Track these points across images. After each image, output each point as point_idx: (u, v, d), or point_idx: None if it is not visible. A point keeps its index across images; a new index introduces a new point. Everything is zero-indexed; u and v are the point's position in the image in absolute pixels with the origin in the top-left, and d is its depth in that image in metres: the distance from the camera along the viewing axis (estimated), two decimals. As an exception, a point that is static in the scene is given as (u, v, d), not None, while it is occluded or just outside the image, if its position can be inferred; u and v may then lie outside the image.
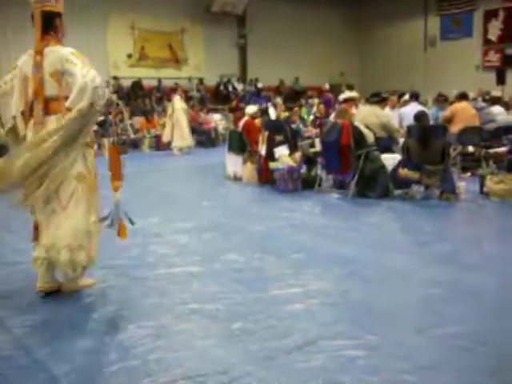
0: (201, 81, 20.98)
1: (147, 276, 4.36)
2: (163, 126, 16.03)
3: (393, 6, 24.05)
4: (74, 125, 3.59)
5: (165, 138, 14.54)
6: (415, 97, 10.30)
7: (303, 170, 8.51)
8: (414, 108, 9.08)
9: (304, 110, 14.89)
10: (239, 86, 21.84)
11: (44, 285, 3.87)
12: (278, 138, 8.31)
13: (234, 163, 9.40)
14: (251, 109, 9.75)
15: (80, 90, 3.58)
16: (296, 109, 11.46)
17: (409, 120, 8.56)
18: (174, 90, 16.90)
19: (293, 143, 8.35)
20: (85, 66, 3.67)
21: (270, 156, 8.30)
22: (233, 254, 4.88)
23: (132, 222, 3.97)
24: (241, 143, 9.32)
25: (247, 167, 9.02)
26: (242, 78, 22.66)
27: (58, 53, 3.73)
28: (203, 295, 3.89)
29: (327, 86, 19.75)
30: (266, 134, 8.45)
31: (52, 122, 3.69)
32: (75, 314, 3.61)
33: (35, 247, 3.82)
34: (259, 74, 22.38)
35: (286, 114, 10.69)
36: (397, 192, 7.43)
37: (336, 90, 18.77)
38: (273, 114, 10.16)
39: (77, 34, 17.08)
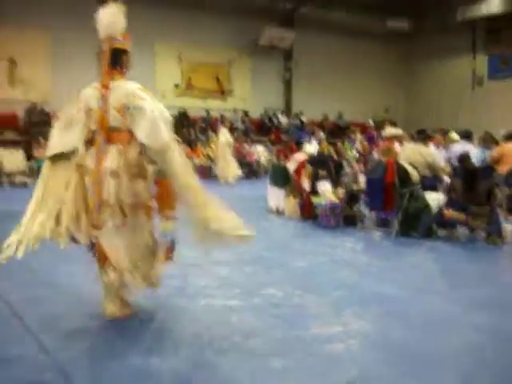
0: (246, 113, 21.21)
1: (186, 307, 4.38)
2: (207, 155, 16.27)
3: (441, 43, 23.96)
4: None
5: (216, 169, 14.76)
6: (467, 136, 10.08)
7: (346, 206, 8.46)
8: (465, 147, 8.98)
9: (347, 146, 14.87)
10: (283, 119, 21.97)
11: (114, 308, 4.02)
12: (321, 173, 8.31)
13: (276, 196, 9.41)
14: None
15: (152, 124, 3.76)
16: (339, 144, 11.44)
17: (459, 159, 8.47)
18: (221, 121, 17.18)
19: (336, 179, 8.34)
20: (152, 101, 3.86)
21: (313, 191, 8.30)
22: (273, 289, 4.87)
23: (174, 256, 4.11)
24: (284, 177, 9.34)
25: (290, 201, 9.02)
26: (287, 111, 22.81)
27: (125, 87, 3.91)
28: (242, 330, 3.88)
29: (371, 123, 19.69)
30: (310, 168, 8.46)
31: (113, 152, 3.83)
32: (117, 341, 3.64)
33: (102, 272, 3.95)
34: (303, 107, 22.50)
35: (330, 148, 10.69)
36: (441, 232, 7.32)
37: (380, 126, 18.72)
38: (316, 148, 10.16)
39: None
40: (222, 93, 21.58)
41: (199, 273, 5.39)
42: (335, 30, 22.81)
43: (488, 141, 11.23)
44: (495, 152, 9.71)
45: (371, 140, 15.13)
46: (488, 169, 7.51)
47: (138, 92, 3.88)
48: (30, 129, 16.81)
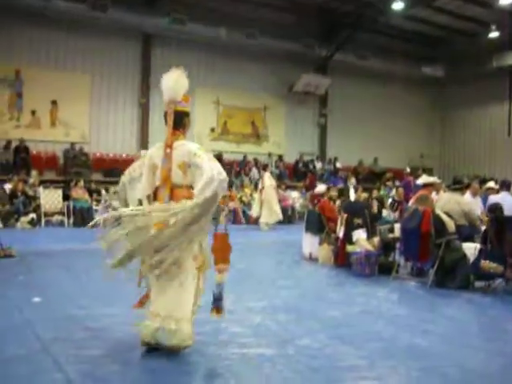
0: (280, 157, 21.37)
1: (219, 354, 4.37)
2: (240, 199, 16.40)
3: (476, 89, 23.95)
4: (196, 209, 3.94)
5: (254, 214, 14.88)
6: (507, 186, 9.92)
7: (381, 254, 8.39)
8: (503, 197, 8.88)
9: (382, 193, 14.81)
10: (318, 165, 22.05)
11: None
12: (357, 220, 8.30)
13: (310, 243, 9.39)
14: (319, 188, 9.83)
15: (208, 182, 4.01)
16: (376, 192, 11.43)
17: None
18: (263, 167, 17.44)
19: (371, 227, 8.30)
20: (211, 160, 4.19)
21: (348, 239, 8.27)
22: (307, 339, 4.83)
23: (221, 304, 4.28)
24: (318, 223, 9.34)
25: (324, 248, 9.00)
26: (321, 157, 22.90)
27: (187, 147, 4.27)
28: (275, 380, 3.85)
29: (408, 169, 19.55)
30: (345, 216, 8.45)
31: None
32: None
33: (148, 315, 4.18)
34: (338, 153, 22.58)
35: (365, 195, 10.69)
36: (478, 284, 7.19)
37: (415, 172, 18.63)
38: (352, 195, 10.17)
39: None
40: (257, 137, 21.82)
41: (231, 319, 5.23)
42: (370, 76, 23.03)
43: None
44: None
45: (407, 187, 14.98)
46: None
47: (198, 152, 4.22)
48: (68, 169, 17.22)
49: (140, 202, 4.30)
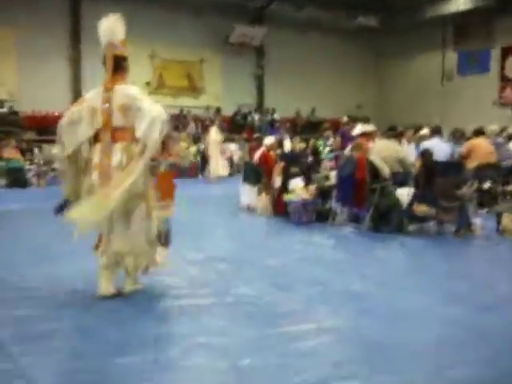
0: (218, 110, 21.13)
1: (155, 307, 4.34)
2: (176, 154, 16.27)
3: (411, 39, 24.18)
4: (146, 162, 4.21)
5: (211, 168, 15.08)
6: (437, 132, 10.13)
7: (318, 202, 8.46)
8: (435, 143, 9.04)
9: (320, 143, 14.88)
10: (256, 117, 21.95)
11: (106, 292, 4.41)
12: (294, 170, 8.31)
13: (248, 194, 9.39)
14: (269, 140, 9.75)
15: (150, 123, 4.17)
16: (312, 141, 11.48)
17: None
18: (211, 120, 17.35)
19: (308, 175, 8.34)
20: (151, 102, 4.32)
21: (285, 188, 8.29)
22: (244, 288, 4.84)
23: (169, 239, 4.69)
24: (256, 174, 9.32)
25: (262, 198, 9.00)
26: (259, 109, 22.79)
27: (127, 90, 4.37)
28: (212, 329, 3.84)
29: (345, 119, 19.65)
30: (282, 165, 8.45)
31: (118, 149, 4.28)
32: (78, 340, 3.58)
33: (101, 254, 4.40)
34: (276, 104, 22.50)
35: (302, 145, 10.71)
36: (411, 227, 7.37)
37: (352, 122, 18.78)
38: (288, 145, 10.18)
39: (96, 58, 17.43)
40: (194, 90, 21.48)
41: (168, 272, 5.07)
42: (306, 26, 22.86)
43: (458, 136, 11.32)
44: (464, 147, 9.81)
45: (344, 136, 15.08)
46: (457, 164, 7.57)
47: (138, 95, 4.35)
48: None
49: (80, 145, 4.41)
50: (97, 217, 4.13)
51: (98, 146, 4.36)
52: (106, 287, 4.43)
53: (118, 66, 4.47)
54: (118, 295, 4.45)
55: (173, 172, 4.69)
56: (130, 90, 4.40)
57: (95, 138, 4.40)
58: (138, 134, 4.21)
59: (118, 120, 4.31)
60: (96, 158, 4.33)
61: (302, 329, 3.85)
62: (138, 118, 4.22)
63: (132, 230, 4.36)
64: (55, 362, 3.33)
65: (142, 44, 19.25)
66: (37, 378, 3.08)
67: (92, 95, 4.48)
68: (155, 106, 4.31)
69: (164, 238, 4.63)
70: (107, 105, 4.31)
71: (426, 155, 7.59)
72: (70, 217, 4.07)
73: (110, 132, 4.32)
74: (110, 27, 4.46)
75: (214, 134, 15.10)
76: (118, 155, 4.28)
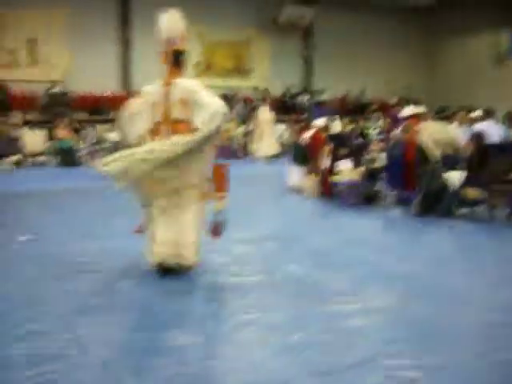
0: (266, 91, 21.11)
1: (206, 284, 4.46)
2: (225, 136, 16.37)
3: (463, 19, 23.58)
4: (200, 141, 4.30)
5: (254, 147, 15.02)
6: (490, 114, 9.86)
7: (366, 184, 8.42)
8: (488, 125, 8.85)
9: (369, 124, 14.76)
10: (304, 98, 21.85)
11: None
12: (342, 151, 8.29)
13: (296, 175, 9.40)
14: (320, 121, 9.69)
15: (212, 115, 4.30)
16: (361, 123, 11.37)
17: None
18: (262, 99, 17.34)
19: (357, 157, 8.31)
20: (210, 95, 4.45)
21: (333, 169, 8.28)
22: (293, 266, 4.91)
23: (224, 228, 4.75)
24: (304, 155, 9.31)
25: (310, 179, 9.01)
26: (307, 90, 22.67)
27: (186, 84, 4.53)
28: (262, 306, 3.93)
29: (395, 100, 19.36)
30: (330, 147, 8.44)
31: None
32: (130, 314, 3.72)
33: (153, 243, 4.47)
34: (325, 85, 22.31)
35: (351, 126, 10.64)
36: (461, 211, 7.27)
37: (402, 103, 18.51)
38: (338, 127, 10.12)
39: (148, 39, 17.65)
40: (242, 71, 21.51)
41: (218, 250, 5.27)
42: (356, 6, 22.55)
43: (511, 119, 11.06)
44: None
45: (394, 118, 14.88)
46: (510, 147, 7.41)
47: (197, 88, 4.49)
48: (50, 109, 16.93)
49: (142, 138, 4.55)
50: (138, 170, 4.21)
51: (158, 138, 4.50)
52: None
53: (177, 61, 4.63)
54: (171, 270, 4.54)
55: (226, 164, 4.76)
56: (189, 83, 4.56)
57: (155, 131, 4.55)
58: (199, 124, 4.34)
59: (177, 113, 4.46)
60: None
61: (350, 307, 3.91)
62: (198, 111, 4.35)
63: (183, 221, 4.47)
64: (108, 333, 3.47)
65: (191, 25, 19.15)
66: (89, 347, 3.23)
67: (151, 89, 4.64)
68: (215, 100, 4.44)
69: (219, 229, 4.75)
70: (167, 99, 4.47)
71: (477, 137, 7.45)
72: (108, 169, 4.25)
73: (170, 125, 4.47)
74: (170, 23, 4.63)
75: (265, 114, 15.02)
76: None
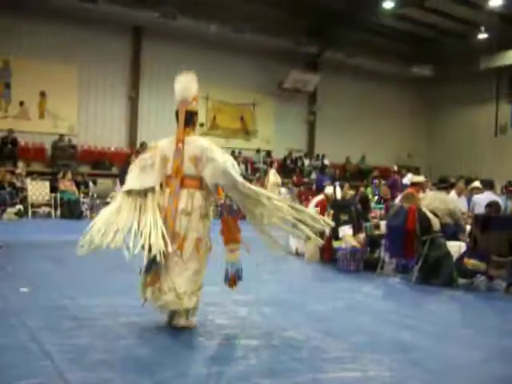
0: (268, 153, 21.42)
1: (205, 346, 4.43)
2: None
3: (464, 90, 24.15)
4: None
5: None
6: (489, 185, 9.92)
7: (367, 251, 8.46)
8: (487, 196, 8.94)
9: (369, 190, 14.92)
10: (306, 162, 22.14)
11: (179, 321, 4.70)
12: (343, 217, 8.37)
13: (297, 239, 9.43)
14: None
15: (223, 172, 4.54)
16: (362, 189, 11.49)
17: (481, 208, 8.47)
18: (270, 162, 17.69)
19: (357, 224, 8.38)
20: (223, 153, 4.70)
21: (334, 235, 8.34)
22: (291, 332, 4.89)
23: (240, 278, 4.93)
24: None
25: (310, 244, 9.04)
26: (309, 154, 22.98)
27: (198, 142, 4.75)
28: (261, 371, 3.91)
29: (395, 168, 19.63)
30: (331, 212, 8.52)
31: (185, 195, 4.64)
32: (133, 374, 3.70)
33: (163, 292, 4.57)
34: (326, 150, 22.67)
35: (352, 192, 10.75)
36: (461, 281, 7.30)
37: (402, 171, 18.77)
38: (338, 193, 10.24)
39: (160, 99, 18.05)
40: (246, 133, 21.87)
41: (217, 311, 5.42)
42: (359, 74, 23.16)
43: (510, 190, 11.19)
44: (518, 202, 9.70)
45: (394, 185, 15.07)
46: (510, 219, 7.48)
47: (210, 146, 4.71)
48: (56, 161, 17.16)
49: (153, 188, 4.74)
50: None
51: (167, 191, 4.70)
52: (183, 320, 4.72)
53: (190, 120, 4.86)
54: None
55: (236, 217, 4.86)
56: (201, 142, 4.78)
57: (166, 184, 4.75)
58: (214, 180, 4.59)
59: (188, 169, 4.66)
60: (165, 202, 4.67)
61: (349, 376, 3.88)
62: (211, 167, 4.57)
63: (189, 271, 4.62)
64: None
65: (198, 85, 19.81)
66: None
67: (165, 144, 4.83)
68: (226, 156, 4.69)
69: (233, 279, 4.91)
70: (179, 154, 4.67)
71: (492, 206, 7.49)
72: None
73: (180, 179, 4.65)
74: (185, 85, 4.87)
75: (273, 177, 15.37)
76: (183, 200, 4.63)
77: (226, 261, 4.87)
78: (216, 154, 4.64)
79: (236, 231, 4.85)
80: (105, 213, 4.64)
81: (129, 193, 4.75)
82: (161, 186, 4.80)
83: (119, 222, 4.51)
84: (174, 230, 4.59)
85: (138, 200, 4.71)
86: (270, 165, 17.37)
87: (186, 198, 4.64)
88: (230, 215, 4.85)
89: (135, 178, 4.79)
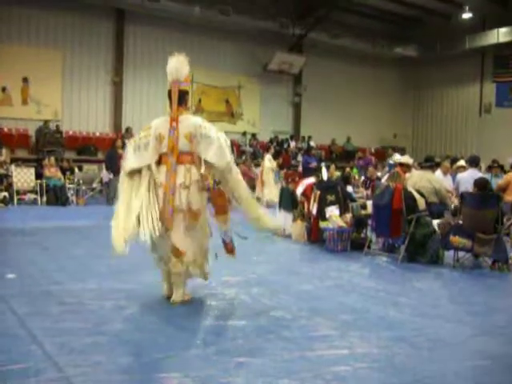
0: (254, 136, 21.37)
1: (194, 326, 4.45)
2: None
3: (449, 70, 24.20)
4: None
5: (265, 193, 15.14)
6: (474, 163, 9.92)
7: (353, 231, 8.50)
8: (470, 174, 8.99)
9: (355, 171, 14.97)
10: (292, 144, 22.12)
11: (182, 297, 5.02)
12: (330, 197, 8.39)
13: (284, 220, 9.47)
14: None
15: (219, 148, 4.87)
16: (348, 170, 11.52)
17: (466, 186, 8.52)
18: (266, 148, 17.98)
19: (344, 204, 8.41)
20: (216, 130, 4.97)
21: (321, 215, 8.37)
22: (279, 311, 4.92)
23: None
24: (292, 200, 9.42)
25: (297, 225, 9.09)
26: (295, 136, 22.97)
27: (192, 120, 5.01)
28: (250, 350, 3.93)
29: (372, 150, 19.80)
30: (318, 193, 8.54)
31: (182, 170, 4.87)
32: (119, 354, 3.70)
33: (172, 263, 4.90)
34: (312, 132, 22.66)
35: (338, 173, 10.77)
36: (447, 259, 7.36)
37: (386, 152, 18.85)
38: (325, 173, 10.25)
39: (144, 83, 17.87)
40: (232, 116, 21.79)
41: (207, 293, 5.46)
42: (344, 55, 23.11)
43: (496, 169, 11.28)
44: (502, 180, 9.77)
45: (367, 165, 15.14)
46: (495, 197, 7.53)
47: (203, 123, 4.96)
48: (40, 147, 16.99)
49: (149, 165, 4.91)
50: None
51: (164, 168, 4.91)
52: (181, 293, 5.00)
53: (182, 99, 5.06)
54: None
55: (223, 191, 5.08)
56: (194, 119, 5.04)
57: (161, 160, 4.94)
58: (210, 158, 4.86)
59: (183, 145, 4.89)
60: (162, 178, 4.88)
61: (337, 354, 3.91)
62: (206, 144, 4.87)
63: (195, 241, 4.97)
64: (99, 374, 3.46)
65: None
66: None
67: (159, 123, 5.04)
68: (220, 133, 4.98)
69: (230, 247, 5.28)
70: (174, 132, 4.88)
71: (481, 184, 7.52)
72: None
73: (176, 155, 4.87)
74: (177, 66, 5.06)
75: (268, 162, 15.46)
76: (181, 175, 4.86)
77: (220, 230, 5.18)
78: (210, 131, 4.90)
79: (226, 202, 5.11)
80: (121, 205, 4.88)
81: (130, 174, 4.98)
82: (160, 163, 4.95)
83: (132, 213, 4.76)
84: (175, 203, 4.81)
85: (136, 179, 4.96)
86: (267, 150, 17.45)
87: (183, 173, 4.86)
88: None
89: (133, 158, 4.98)
